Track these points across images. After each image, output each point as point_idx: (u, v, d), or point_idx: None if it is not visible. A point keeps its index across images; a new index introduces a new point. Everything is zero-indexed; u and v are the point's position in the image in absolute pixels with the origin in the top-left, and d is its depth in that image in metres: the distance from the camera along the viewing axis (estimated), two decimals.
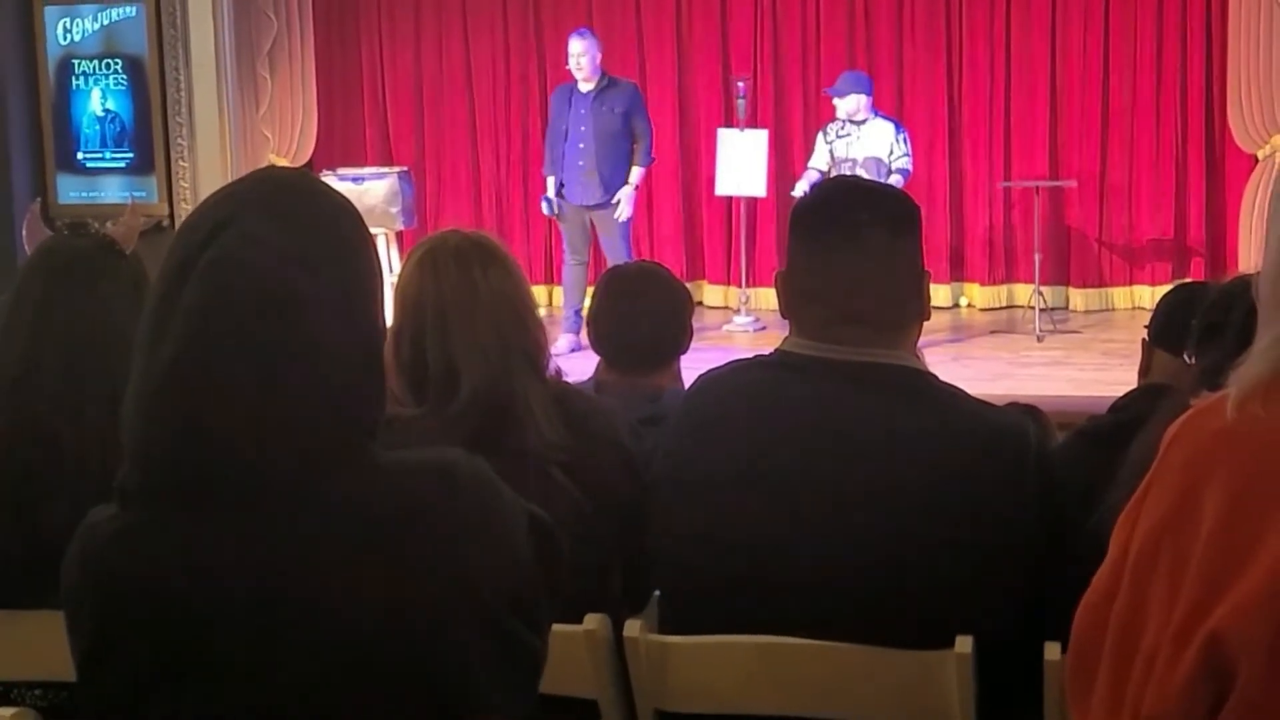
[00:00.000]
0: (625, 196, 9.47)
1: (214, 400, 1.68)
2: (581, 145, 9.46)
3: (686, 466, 2.58)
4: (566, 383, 2.95)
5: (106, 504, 1.81)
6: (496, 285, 2.79)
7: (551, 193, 9.65)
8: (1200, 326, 2.87)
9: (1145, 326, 3.51)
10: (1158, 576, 1.65)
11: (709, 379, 2.68)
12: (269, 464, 1.70)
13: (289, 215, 1.77)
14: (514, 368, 2.75)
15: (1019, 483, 2.46)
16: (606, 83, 9.52)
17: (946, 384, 2.53)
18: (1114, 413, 3.28)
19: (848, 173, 9.42)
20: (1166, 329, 3.37)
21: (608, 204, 9.45)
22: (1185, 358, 3.00)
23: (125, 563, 1.76)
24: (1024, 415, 2.66)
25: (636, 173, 9.55)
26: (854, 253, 2.50)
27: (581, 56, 9.43)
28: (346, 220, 1.84)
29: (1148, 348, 3.46)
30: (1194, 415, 1.69)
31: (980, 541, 2.44)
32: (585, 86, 9.50)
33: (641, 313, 3.55)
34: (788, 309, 2.58)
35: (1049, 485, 2.55)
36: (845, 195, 2.64)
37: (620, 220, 9.48)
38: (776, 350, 2.59)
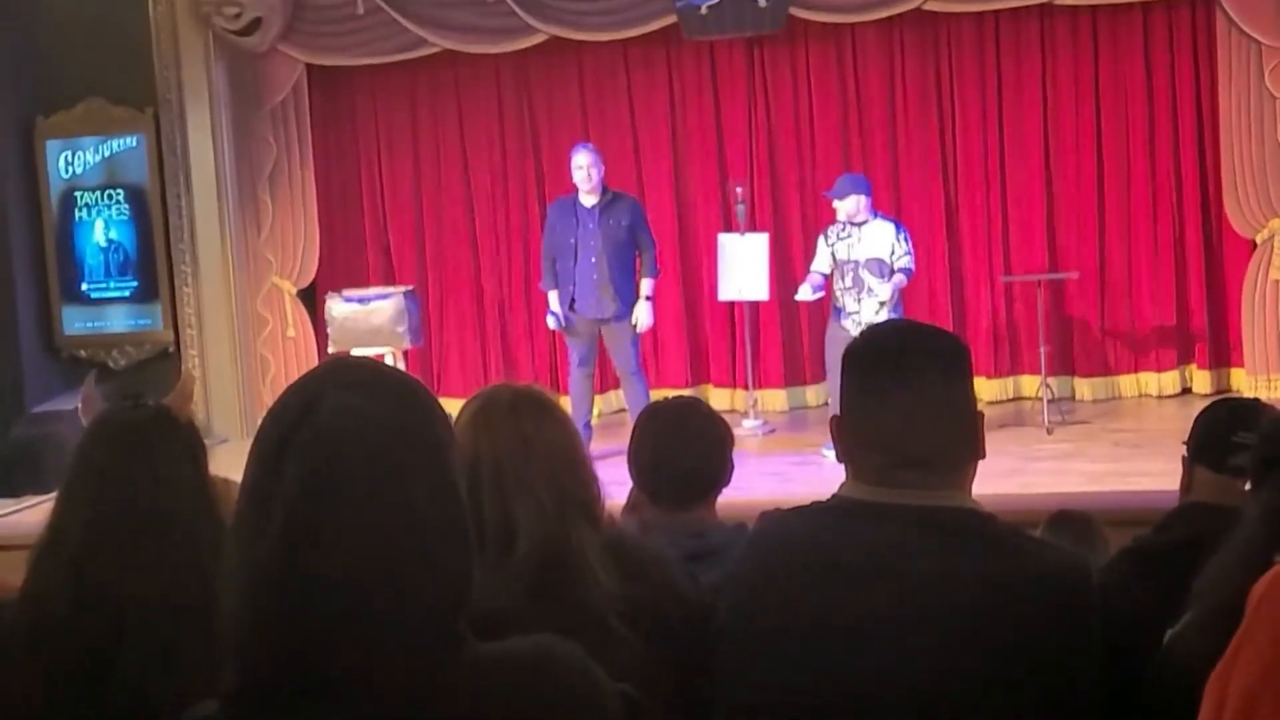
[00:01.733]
0: (643, 310, 9.58)
1: (324, 591, 1.66)
2: (594, 260, 9.50)
3: (752, 617, 2.58)
4: (622, 530, 2.96)
5: (206, 700, 1.80)
6: (550, 437, 2.81)
7: (556, 306, 9.66)
8: (1258, 459, 2.88)
9: (1184, 443, 3.52)
10: None
11: (769, 526, 2.69)
12: (379, 655, 1.68)
13: (374, 386, 1.76)
14: (570, 519, 2.77)
15: (1082, 624, 2.46)
16: (611, 196, 9.60)
17: (1006, 524, 2.54)
18: (1160, 532, 3.30)
19: (850, 274, 9.49)
20: (1208, 446, 3.38)
21: (622, 316, 9.52)
22: (1239, 484, 3.01)
23: None
24: (1084, 552, 2.67)
25: (648, 284, 9.64)
26: (907, 395, 2.50)
27: (591, 169, 9.50)
28: (423, 391, 1.83)
29: (1188, 464, 3.47)
30: None
31: (1046, 682, 2.43)
32: (589, 200, 9.55)
33: (685, 448, 3.55)
34: (844, 454, 2.59)
35: (1111, 623, 2.55)
36: (896, 338, 2.66)
37: (639, 330, 9.61)
38: (834, 495, 2.60)
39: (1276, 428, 2.89)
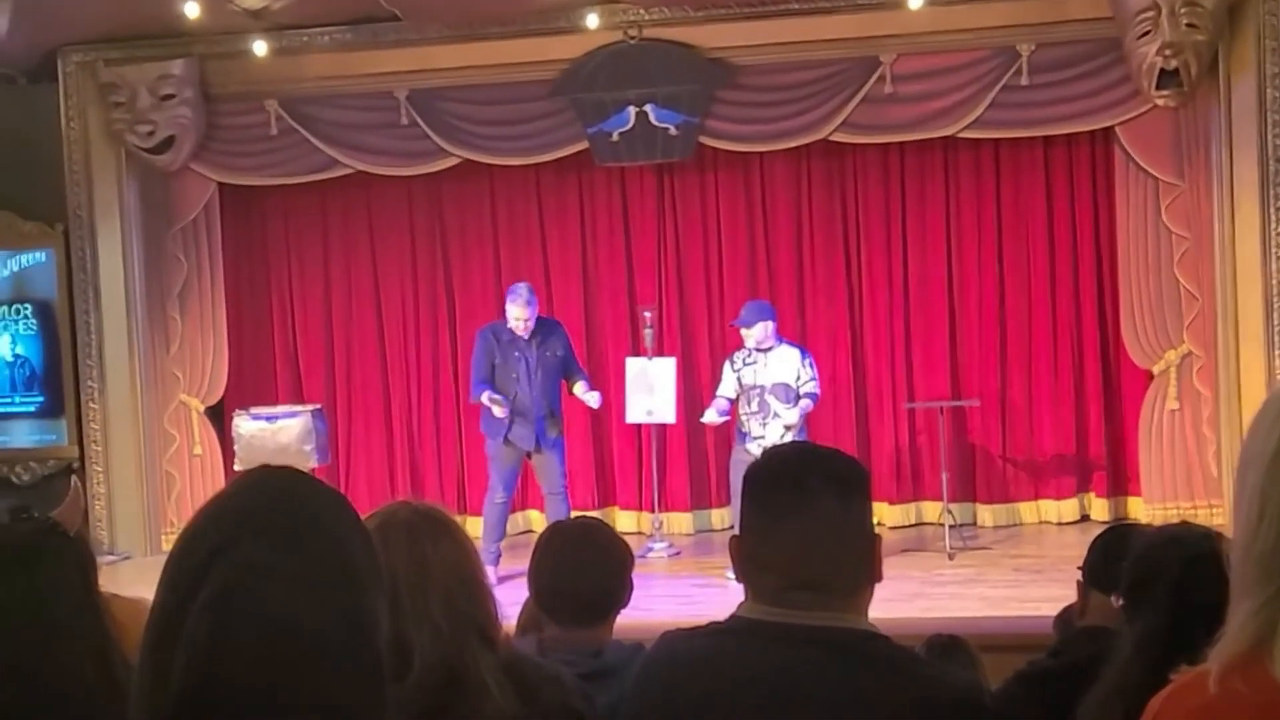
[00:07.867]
0: (593, 396, 9.91)
1: None
2: (536, 394, 9.61)
3: None
4: (518, 651, 2.96)
5: None
6: (448, 558, 2.81)
7: (498, 405, 9.52)
8: (1129, 579, 2.93)
9: (1079, 567, 3.58)
10: None
11: (665, 646, 2.70)
12: None
13: (287, 536, 1.67)
14: (465, 640, 2.76)
15: None
16: (541, 326, 9.72)
17: (900, 647, 2.57)
18: (1054, 656, 3.34)
19: (756, 399, 9.56)
20: (1101, 571, 3.43)
21: (556, 441, 9.70)
22: (1116, 605, 3.05)
23: None
24: (975, 673, 2.70)
25: (588, 392, 9.89)
26: (805, 518, 2.53)
27: (528, 321, 9.59)
28: (348, 529, 1.73)
29: (1083, 589, 3.52)
30: (1176, 691, 1.73)
31: None
32: (525, 333, 9.64)
33: (585, 568, 3.57)
34: (742, 574, 2.61)
35: None
36: (795, 461, 2.67)
37: (595, 406, 10.05)
38: (732, 616, 2.62)
39: (1146, 549, 2.94)
